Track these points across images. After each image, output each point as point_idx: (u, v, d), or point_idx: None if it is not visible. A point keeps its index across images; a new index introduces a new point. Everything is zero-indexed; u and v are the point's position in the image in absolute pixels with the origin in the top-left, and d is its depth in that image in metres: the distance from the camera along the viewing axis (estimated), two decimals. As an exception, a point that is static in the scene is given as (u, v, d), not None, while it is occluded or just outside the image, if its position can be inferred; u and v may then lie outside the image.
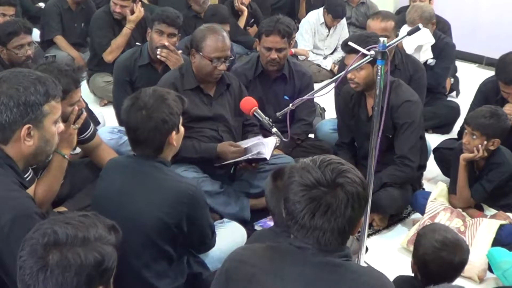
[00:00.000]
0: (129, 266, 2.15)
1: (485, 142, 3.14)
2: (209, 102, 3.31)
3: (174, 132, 2.26)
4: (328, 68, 5.88)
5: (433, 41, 4.61)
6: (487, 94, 3.74)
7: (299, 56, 5.78)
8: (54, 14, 5.46)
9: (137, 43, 4.83)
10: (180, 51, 3.90)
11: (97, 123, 3.84)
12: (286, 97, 3.81)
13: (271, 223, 3.08)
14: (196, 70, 3.25)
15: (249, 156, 3.14)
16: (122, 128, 3.75)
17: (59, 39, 5.43)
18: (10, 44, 3.60)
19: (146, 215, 2.16)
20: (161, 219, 2.16)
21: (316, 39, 6.01)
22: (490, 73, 3.80)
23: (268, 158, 3.11)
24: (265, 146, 3.15)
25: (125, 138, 3.66)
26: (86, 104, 3.09)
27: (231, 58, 3.29)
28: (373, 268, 1.77)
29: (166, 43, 3.79)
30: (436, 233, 2.28)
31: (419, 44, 4.54)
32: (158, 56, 3.80)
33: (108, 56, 4.95)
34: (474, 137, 3.16)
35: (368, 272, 1.61)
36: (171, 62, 3.80)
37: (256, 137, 3.37)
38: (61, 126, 1.98)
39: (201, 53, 3.17)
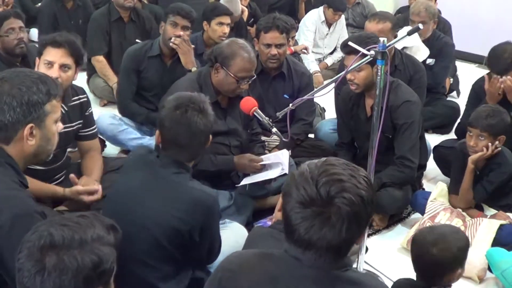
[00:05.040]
0: (136, 265, 2.16)
1: (495, 141, 3.14)
2: (223, 116, 3.25)
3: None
4: (312, 71, 5.79)
5: (420, 43, 4.60)
6: (480, 93, 3.72)
7: (301, 55, 5.77)
8: (46, 16, 5.49)
9: (137, 40, 4.86)
10: (192, 46, 3.95)
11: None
12: (285, 96, 3.82)
13: (271, 223, 3.08)
14: (218, 85, 3.15)
15: (271, 177, 3.13)
16: (123, 117, 3.89)
17: None
18: (1, 30, 3.64)
19: (158, 219, 2.14)
20: (174, 224, 2.14)
21: (316, 37, 6.03)
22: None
23: (287, 172, 3.06)
24: (282, 163, 3.14)
25: (125, 126, 3.79)
26: (89, 102, 3.12)
27: (253, 78, 3.21)
28: (372, 276, 1.73)
29: (181, 33, 3.85)
30: (428, 227, 2.31)
31: (405, 46, 4.53)
32: (170, 44, 3.84)
33: (95, 62, 4.99)
34: (482, 138, 3.15)
35: (365, 282, 1.53)
36: (182, 50, 3.85)
37: (271, 154, 3.35)
38: (60, 125, 1.98)
39: (227, 70, 3.06)
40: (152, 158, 2.27)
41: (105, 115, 3.91)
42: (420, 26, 2.47)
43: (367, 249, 2.89)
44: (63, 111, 2.87)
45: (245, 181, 3.17)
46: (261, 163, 3.17)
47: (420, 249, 2.21)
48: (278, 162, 3.15)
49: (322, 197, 1.40)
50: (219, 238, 2.39)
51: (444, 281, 2.20)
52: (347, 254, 1.49)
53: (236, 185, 3.21)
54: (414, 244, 2.27)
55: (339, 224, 1.39)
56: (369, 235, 3.25)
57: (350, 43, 2.76)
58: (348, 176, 1.43)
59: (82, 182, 2.81)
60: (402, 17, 5.34)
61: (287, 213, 1.45)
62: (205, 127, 2.24)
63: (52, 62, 2.77)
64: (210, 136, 2.33)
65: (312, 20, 5.99)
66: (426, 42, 4.70)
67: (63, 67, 2.78)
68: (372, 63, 2.71)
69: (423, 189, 3.72)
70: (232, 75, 3.06)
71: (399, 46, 4.38)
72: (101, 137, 3.66)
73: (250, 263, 1.57)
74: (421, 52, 4.61)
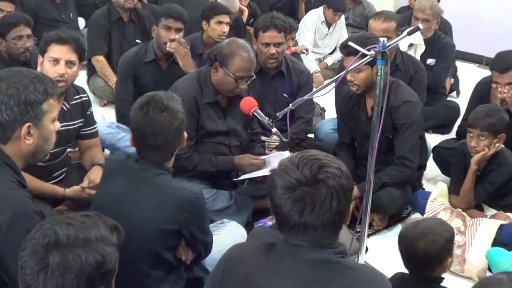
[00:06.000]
0: (128, 272, 2.13)
1: (495, 140, 3.14)
2: (223, 115, 3.24)
3: (185, 132, 2.27)
4: (312, 71, 5.79)
5: (421, 41, 4.62)
6: (483, 94, 3.72)
7: (300, 55, 5.77)
8: (31, 12, 5.41)
9: (137, 40, 4.85)
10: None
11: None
12: (284, 94, 3.81)
13: (271, 223, 3.08)
14: (216, 84, 3.13)
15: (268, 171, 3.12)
16: (120, 125, 3.79)
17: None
18: (9, 35, 3.59)
19: (145, 225, 2.13)
20: (162, 227, 2.14)
21: (316, 37, 6.03)
22: (490, 73, 3.81)
23: None
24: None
25: (123, 134, 3.69)
26: (90, 102, 3.11)
27: (252, 78, 3.18)
28: (369, 265, 1.77)
29: (177, 36, 3.82)
30: (413, 222, 2.38)
31: (412, 42, 4.53)
32: (167, 48, 3.81)
33: (95, 62, 4.98)
34: (483, 137, 3.14)
35: (364, 269, 1.63)
36: (179, 54, 3.82)
37: (272, 154, 3.35)
38: (57, 124, 1.98)
39: (226, 69, 3.05)
40: (131, 163, 2.23)
41: (101, 125, 3.75)
42: (420, 26, 2.47)
43: (367, 249, 2.88)
44: (65, 109, 2.87)
45: (245, 176, 3.17)
46: (261, 161, 3.17)
47: (406, 245, 2.26)
48: (278, 159, 3.15)
49: (306, 177, 1.49)
50: (210, 232, 2.38)
51: (436, 272, 2.22)
52: (340, 228, 1.57)
53: (234, 180, 3.21)
54: (401, 240, 2.31)
55: (329, 197, 1.48)
56: (369, 235, 3.24)
57: (350, 43, 2.75)
58: (323, 155, 1.57)
59: (90, 176, 2.84)
60: (402, 17, 5.33)
61: (276, 203, 1.52)
62: (170, 124, 2.17)
63: (58, 58, 2.78)
64: (184, 133, 2.27)
65: (311, 21, 5.99)
66: (428, 42, 4.69)
67: (68, 63, 2.80)
68: (372, 63, 2.71)
69: (423, 189, 3.72)
70: (230, 74, 3.05)
71: (404, 44, 4.40)
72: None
73: (252, 252, 1.63)
74: (422, 49, 4.63)
